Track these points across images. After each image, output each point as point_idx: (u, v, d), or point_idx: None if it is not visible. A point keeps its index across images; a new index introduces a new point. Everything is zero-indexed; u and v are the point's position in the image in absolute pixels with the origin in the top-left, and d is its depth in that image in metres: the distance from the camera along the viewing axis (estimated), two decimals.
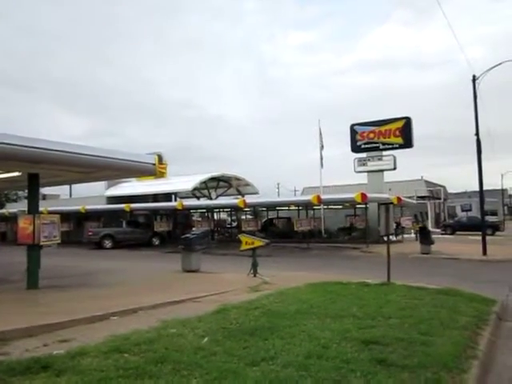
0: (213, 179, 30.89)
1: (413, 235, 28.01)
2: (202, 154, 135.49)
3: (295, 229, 24.39)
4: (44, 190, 36.45)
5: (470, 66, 45.47)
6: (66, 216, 25.81)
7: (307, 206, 27.29)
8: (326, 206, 31.08)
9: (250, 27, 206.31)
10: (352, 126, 28.30)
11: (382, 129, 27.10)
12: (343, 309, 6.67)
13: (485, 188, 19.45)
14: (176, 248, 17.31)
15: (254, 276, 11.26)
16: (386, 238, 10.70)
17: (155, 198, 31.64)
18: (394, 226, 15.97)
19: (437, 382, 3.85)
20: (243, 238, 12.00)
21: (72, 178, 12.02)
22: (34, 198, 10.20)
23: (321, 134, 31.28)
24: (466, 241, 26.46)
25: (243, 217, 35.17)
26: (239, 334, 5.24)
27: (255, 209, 31.00)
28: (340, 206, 32.64)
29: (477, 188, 19.73)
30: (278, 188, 69.95)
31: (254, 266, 11.51)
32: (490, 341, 5.66)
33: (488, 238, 19.24)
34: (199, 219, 35.07)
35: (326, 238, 29.13)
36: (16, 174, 10.13)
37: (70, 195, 48.85)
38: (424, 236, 19.92)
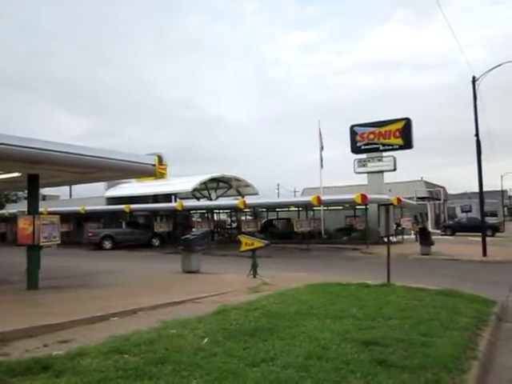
0: (213, 180, 30.90)
1: (413, 236, 28.02)
2: (202, 155, 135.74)
3: (295, 230, 24.38)
4: (44, 191, 36.45)
5: (470, 67, 45.52)
6: (65, 217, 25.80)
7: (307, 206, 27.28)
8: (325, 207, 31.09)
9: (250, 27, 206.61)
10: (352, 127, 28.31)
11: (382, 130, 27.11)
12: (343, 310, 6.67)
13: (485, 189, 19.47)
14: (176, 249, 17.32)
15: (254, 277, 11.26)
16: (385, 239, 10.70)
17: (155, 198, 31.63)
18: (395, 226, 15.97)
19: (437, 383, 3.85)
20: (243, 238, 11.99)
21: (72, 179, 12.03)
22: (33, 199, 10.20)
23: (321, 134, 31.29)
24: (465, 242, 26.45)
25: (243, 218, 35.20)
26: (239, 334, 5.24)
27: (255, 210, 31.03)
28: (340, 207, 32.65)
29: (477, 189, 19.77)
30: (278, 189, 69.98)
31: (254, 266, 11.51)
32: (490, 342, 5.67)
33: (488, 239, 19.23)
34: (199, 220, 35.08)
35: (325, 238, 29.12)
36: (16, 174, 10.13)
37: (70, 196, 48.87)
38: (424, 237, 19.91)
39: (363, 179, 28.63)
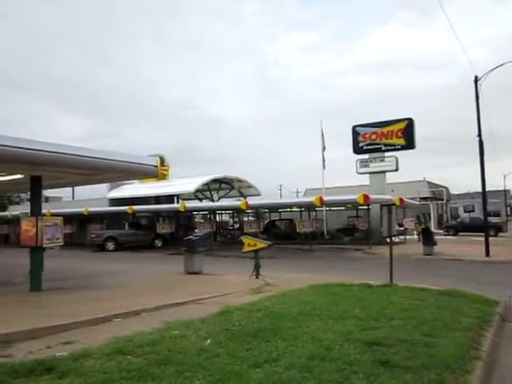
0: (215, 181, 30.94)
1: (415, 236, 27.97)
2: (203, 156, 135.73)
3: (297, 230, 24.38)
4: (46, 192, 36.54)
5: (473, 67, 45.59)
6: (68, 218, 25.87)
7: (309, 207, 27.28)
8: (328, 208, 31.07)
9: (251, 28, 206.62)
10: (354, 128, 28.31)
11: (384, 130, 27.10)
12: (346, 310, 6.66)
13: (487, 189, 19.44)
14: (178, 250, 17.32)
15: (257, 278, 11.27)
16: (388, 240, 10.69)
17: (157, 199, 31.69)
18: (397, 227, 15.94)
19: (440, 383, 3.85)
20: (245, 239, 11.99)
21: (74, 180, 12.06)
22: (36, 201, 10.23)
23: (323, 135, 31.33)
24: (468, 242, 26.39)
25: (245, 218, 35.22)
26: (242, 335, 5.24)
27: (257, 210, 31.03)
28: (342, 208, 32.63)
29: (479, 189, 19.73)
30: (281, 189, 70.00)
31: (257, 267, 11.51)
32: (494, 342, 5.66)
33: (491, 238, 19.20)
34: (201, 221, 35.12)
35: (328, 239, 29.11)
36: (18, 176, 10.17)
37: (73, 197, 49.00)
38: (427, 237, 19.89)
39: (365, 179, 28.62)
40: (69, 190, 48.53)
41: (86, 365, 4.24)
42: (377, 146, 27.35)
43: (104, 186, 32.81)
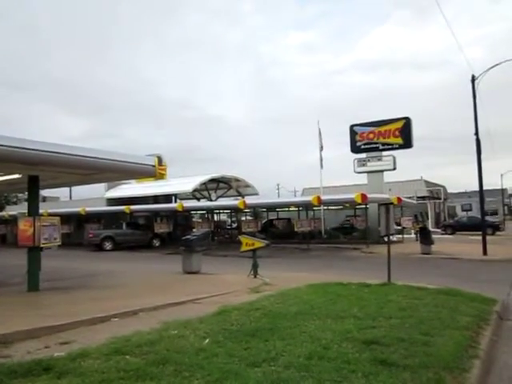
0: (213, 180, 30.91)
1: (413, 235, 28.02)
2: (202, 155, 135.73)
3: (295, 230, 24.41)
4: (44, 192, 36.44)
5: (470, 66, 45.62)
6: (66, 218, 25.80)
7: (307, 206, 27.30)
8: (326, 207, 31.07)
9: (249, 27, 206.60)
10: (351, 127, 28.33)
11: (382, 129, 27.13)
12: (344, 309, 6.67)
13: (485, 188, 19.47)
14: (176, 249, 17.33)
15: (255, 277, 11.26)
16: (386, 239, 10.71)
17: (155, 199, 31.64)
18: (395, 226, 15.95)
19: (438, 382, 3.85)
20: (243, 239, 11.99)
21: (72, 180, 12.03)
22: (34, 200, 10.20)
23: (320, 134, 31.32)
24: (466, 241, 26.47)
25: (243, 218, 35.24)
26: (240, 335, 5.24)
27: (255, 210, 31.07)
28: (340, 207, 32.66)
29: (477, 188, 19.75)
30: (278, 189, 70.14)
31: (255, 267, 11.51)
32: (492, 340, 5.67)
33: (488, 237, 19.25)
34: (199, 220, 35.11)
35: (326, 238, 29.14)
36: (16, 176, 10.14)
37: (70, 197, 48.89)
38: (424, 236, 19.93)
39: (363, 179, 28.65)
40: (66, 189, 48.45)
41: (84, 365, 4.23)
42: (374, 146, 27.38)
43: (102, 186, 32.77)
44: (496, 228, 33.32)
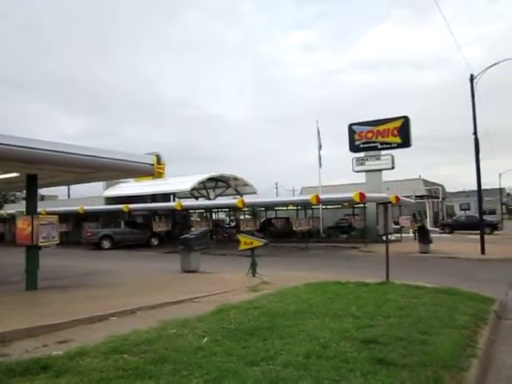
0: (211, 179, 30.89)
1: (411, 234, 28.05)
2: (201, 154, 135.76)
3: (294, 228, 24.40)
4: (42, 191, 36.39)
5: (468, 65, 45.65)
6: (64, 217, 25.78)
7: (306, 205, 27.30)
8: (324, 206, 31.07)
9: (249, 26, 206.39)
10: (350, 126, 28.32)
11: (380, 128, 27.12)
12: (342, 308, 6.67)
13: (483, 187, 19.49)
14: (175, 248, 17.30)
15: (253, 276, 11.27)
16: (384, 238, 10.71)
17: (153, 198, 31.61)
18: (393, 225, 15.95)
19: (436, 381, 3.85)
20: (242, 237, 11.99)
21: (70, 179, 12.00)
22: (32, 199, 10.18)
23: (319, 133, 31.35)
24: (464, 240, 26.50)
25: (242, 217, 35.17)
26: (239, 333, 5.24)
27: (254, 209, 30.96)
28: (339, 206, 32.66)
29: (475, 187, 19.77)
30: (277, 188, 70.09)
31: (253, 265, 11.51)
32: (490, 339, 5.68)
33: (486, 236, 19.30)
34: (198, 219, 35.04)
35: (324, 237, 29.15)
36: (14, 174, 10.11)
37: (69, 196, 48.86)
38: (422, 235, 19.94)
39: (361, 178, 28.66)
40: (64, 188, 48.45)
41: (83, 363, 4.22)
42: (373, 145, 27.38)
43: (100, 185, 32.67)
44: (494, 227, 33.37)
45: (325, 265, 16.00)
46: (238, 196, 32.35)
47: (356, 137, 27.96)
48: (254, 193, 33.62)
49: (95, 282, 11.02)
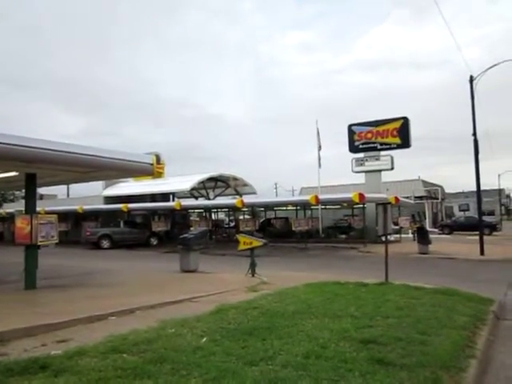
0: (211, 179, 30.89)
1: (410, 235, 28.05)
2: (201, 154, 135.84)
3: (293, 229, 24.39)
4: (41, 190, 36.41)
5: (468, 66, 45.70)
6: (63, 216, 25.77)
7: (305, 206, 27.30)
8: (323, 206, 31.06)
9: (248, 26, 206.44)
10: (350, 126, 28.35)
11: (380, 129, 27.15)
12: (341, 309, 6.67)
13: (482, 188, 19.51)
14: (174, 248, 17.29)
15: (252, 276, 11.26)
16: (383, 238, 10.71)
17: (153, 198, 31.59)
18: (392, 226, 15.91)
19: (435, 381, 3.86)
20: (241, 238, 11.99)
21: (69, 178, 11.99)
22: (31, 198, 10.17)
23: (318, 134, 31.31)
24: (463, 241, 26.53)
25: (241, 217, 35.18)
26: (238, 333, 5.24)
27: (253, 209, 30.95)
28: (338, 206, 32.65)
29: (474, 188, 19.78)
30: (276, 188, 70.14)
31: (252, 265, 11.51)
32: (488, 340, 5.68)
33: (485, 237, 19.29)
34: (197, 219, 35.03)
35: (323, 237, 29.14)
36: (13, 173, 10.10)
37: (68, 195, 48.88)
38: (422, 236, 19.95)
39: (361, 178, 28.68)
40: (64, 187, 48.46)
41: (81, 363, 4.22)
42: (372, 145, 27.40)
43: (99, 184, 32.68)
44: (493, 228, 33.37)
45: (324, 265, 16.01)
46: (237, 196, 32.35)
47: (355, 137, 27.98)
48: (254, 193, 33.63)
49: (94, 282, 11.02)
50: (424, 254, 18.89)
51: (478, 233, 19.35)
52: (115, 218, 29.15)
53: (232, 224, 37.84)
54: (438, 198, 45.26)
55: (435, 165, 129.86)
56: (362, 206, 25.45)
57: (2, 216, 32.71)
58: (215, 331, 5.38)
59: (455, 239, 28.76)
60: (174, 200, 31.83)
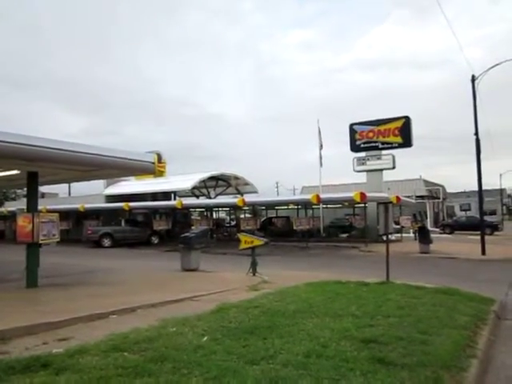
0: (212, 178, 30.90)
1: (412, 234, 28.03)
2: (202, 153, 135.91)
3: (294, 228, 24.40)
4: (43, 189, 36.43)
5: (469, 65, 45.62)
6: (65, 214, 25.81)
7: (306, 205, 27.28)
8: (325, 206, 31.05)
9: (249, 26, 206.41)
10: (351, 126, 28.31)
11: (381, 128, 27.11)
12: (342, 308, 6.67)
13: (484, 188, 19.46)
14: (175, 247, 17.31)
15: (254, 275, 11.27)
16: (384, 237, 10.71)
17: (154, 196, 31.60)
18: (394, 225, 15.94)
19: (436, 381, 3.85)
20: (242, 236, 11.99)
21: (71, 177, 12.00)
22: (32, 197, 10.18)
23: (320, 133, 31.32)
24: (464, 240, 26.49)
25: (242, 216, 35.18)
26: (239, 332, 5.24)
27: (254, 208, 30.97)
28: (339, 205, 32.64)
29: (476, 188, 19.74)
30: (277, 187, 70.13)
31: (254, 264, 11.51)
32: (489, 340, 5.68)
33: (487, 237, 19.27)
34: (198, 218, 35.03)
35: (325, 237, 29.13)
36: (15, 172, 10.11)
37: (69, 194, 48.90)
38: (423, 235, 19.92)
39: (362, 177, 28.64)
40: (65, 186, 48.48)
41: (82, 361, 4.23)
42: (374, 144, 27.37)
43: (100, 183, 32.71)
44: (494, 228, 33.35)
45: (325, 264, 16.00)
46: (238, 195, 32.36)
47: (357, 136, 27.95)
48: (255, 192, 33.64)
49: (95, 280, 11.03)
50: (425, 253, 18.87)
51: (479, 232, 19.33)
52: (116, 216, 29.18)
53: (233, 223, 37.88)
54: (439, 198, 45.23)
55: (437, 164, 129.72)
56: (363, 205, 25.43)
57: (3, 214, 32.73)
58: (216, 330, 5.39)
59: (456, 239, 28.72)
60: (175, 199, 31.84)
